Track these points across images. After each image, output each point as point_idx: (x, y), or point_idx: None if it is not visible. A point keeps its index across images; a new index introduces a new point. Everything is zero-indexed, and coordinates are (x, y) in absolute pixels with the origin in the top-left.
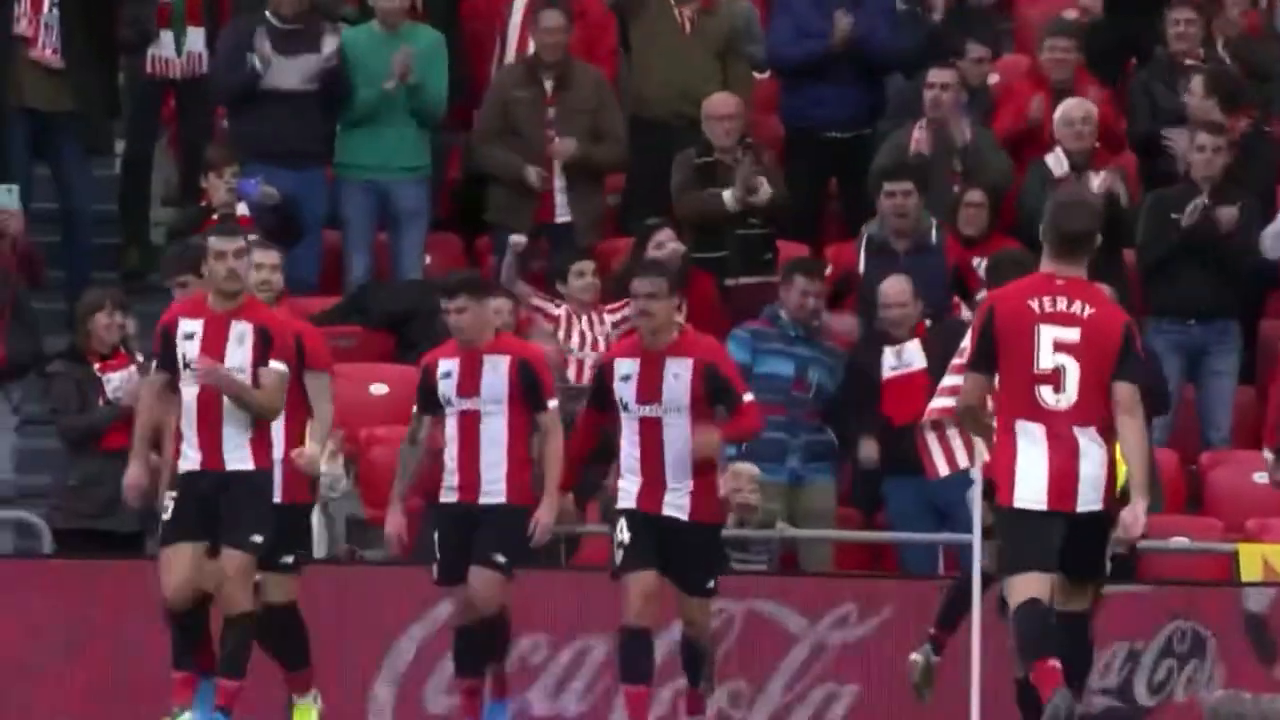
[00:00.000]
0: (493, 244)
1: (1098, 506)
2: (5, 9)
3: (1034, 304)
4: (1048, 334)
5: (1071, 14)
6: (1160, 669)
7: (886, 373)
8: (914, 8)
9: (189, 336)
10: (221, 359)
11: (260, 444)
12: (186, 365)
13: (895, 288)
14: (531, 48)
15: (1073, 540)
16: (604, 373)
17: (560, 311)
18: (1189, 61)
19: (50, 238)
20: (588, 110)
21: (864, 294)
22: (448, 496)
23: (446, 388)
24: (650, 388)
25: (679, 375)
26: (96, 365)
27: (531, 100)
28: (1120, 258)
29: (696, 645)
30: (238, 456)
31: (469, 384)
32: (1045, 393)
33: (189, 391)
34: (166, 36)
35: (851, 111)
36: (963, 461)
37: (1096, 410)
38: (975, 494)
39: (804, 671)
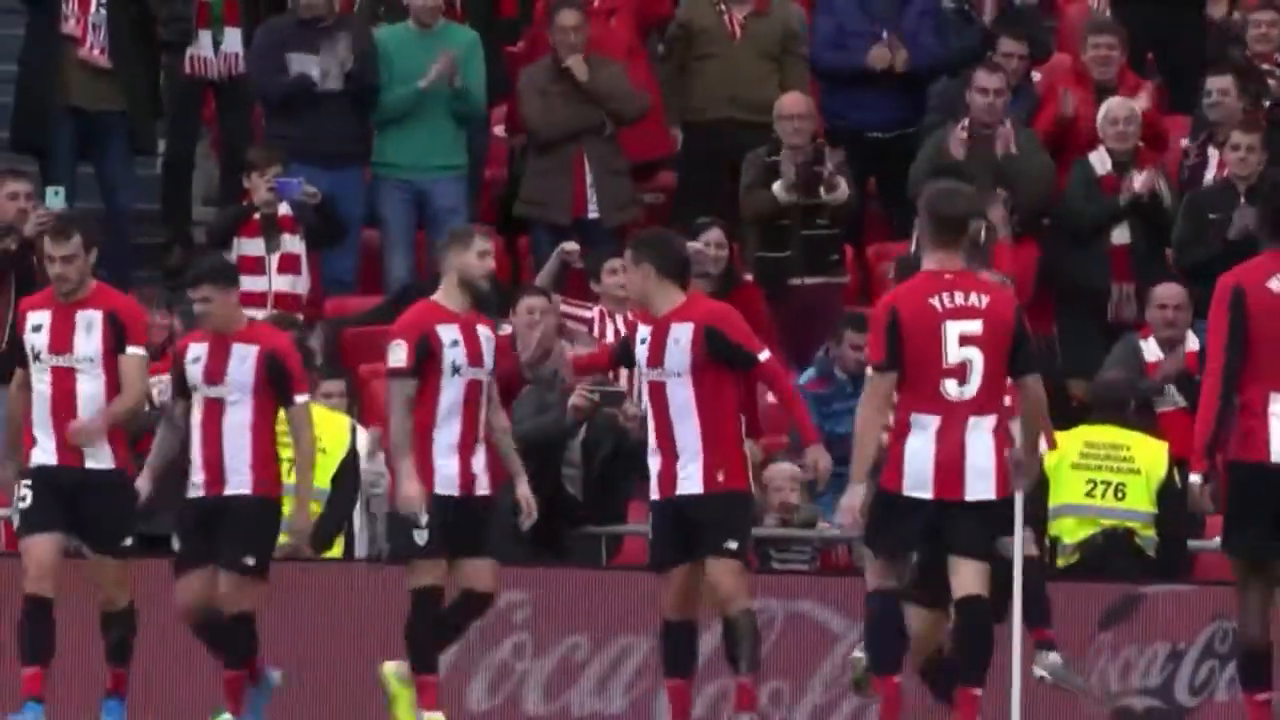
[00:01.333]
0: (530, 243)
1: (990, 495)
2: (53, 8)
3: (935, 302)
4: (953, 329)
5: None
6: (1202, 669)
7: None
8: (962, 6)
9: (36, 329)
10: (70, 348)
11: (118, 440)
12: (36, 358)
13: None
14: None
15: (960, 525)
16: (628, 338)
17: (593, 313)
18: (1266, 66)
19: None
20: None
21: None
22: (193, 491)
23: (194, 373)
24: (656, 352)
25: (679, 340)
26: None
27: (560, 93)
28: (1164, 257)
29: (733, 622)
30: (96, 454)
31: (215, 371)
32: (950, 386)
33: (40, 384)
34: (205, 36)
35: (893, 113)
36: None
37: (995, 398)
38: (1016, 495)
39: (845, 671)
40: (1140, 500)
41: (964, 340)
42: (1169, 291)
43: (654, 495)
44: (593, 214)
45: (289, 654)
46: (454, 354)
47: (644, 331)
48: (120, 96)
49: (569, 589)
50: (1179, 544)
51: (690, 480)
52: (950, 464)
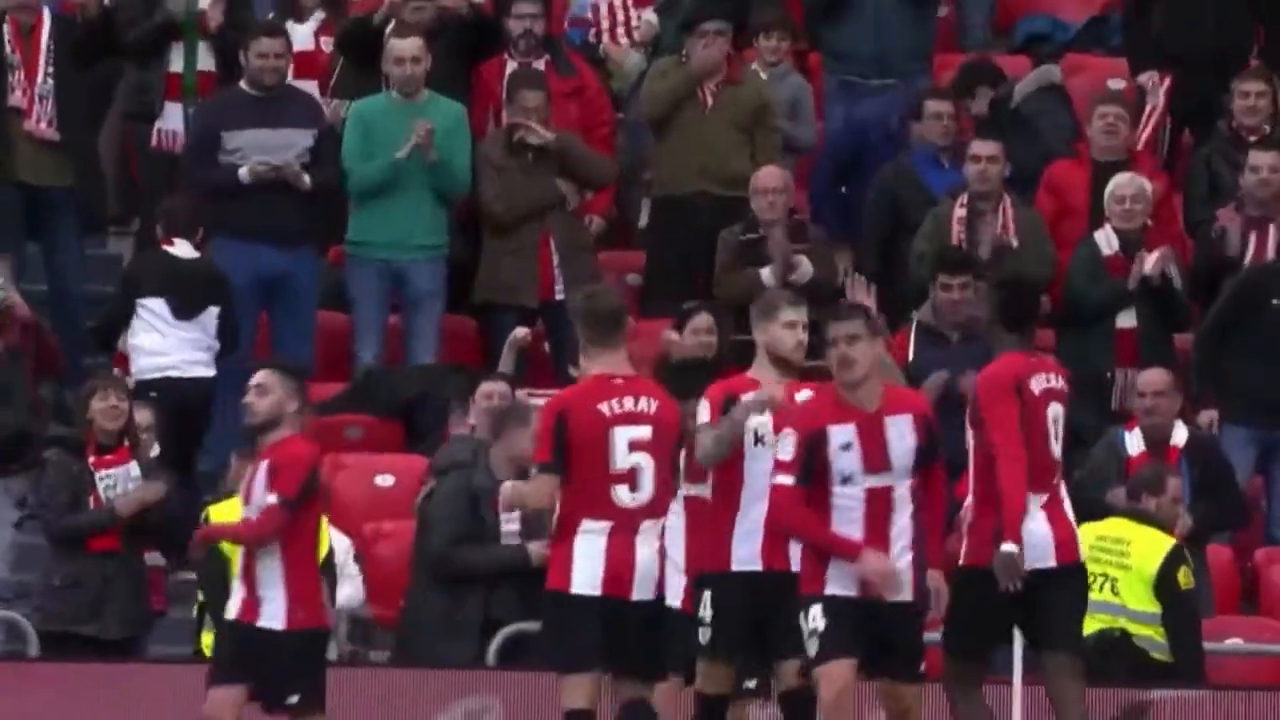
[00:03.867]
0: (495, 327)
1: (650, 596)
2: None
3: (604, 408)
4: (621, 435)
5: (1119, 84)
6: None
7: None
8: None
9: None
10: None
11: (297, 598)
12: None
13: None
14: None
15: (627, 629)
16: (815, 444)
17: None
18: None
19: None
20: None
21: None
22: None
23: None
24: (877, 453)
25: (904, 435)
26: (92, 459)
27: (518, 168)
28: (1172, 342)
29: None
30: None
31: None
32: (621, 492)
33: None
34: (174, 109)
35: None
36: None
37: (665, 502)
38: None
39: None
40: (1133, 596)
41: (633, 446)
42: (1150, 378)
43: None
44: (560, 295)
45: None
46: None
47: (846, 433)
48: (69, 172)
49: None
50: (1187, 645)
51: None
52: (620, 565)
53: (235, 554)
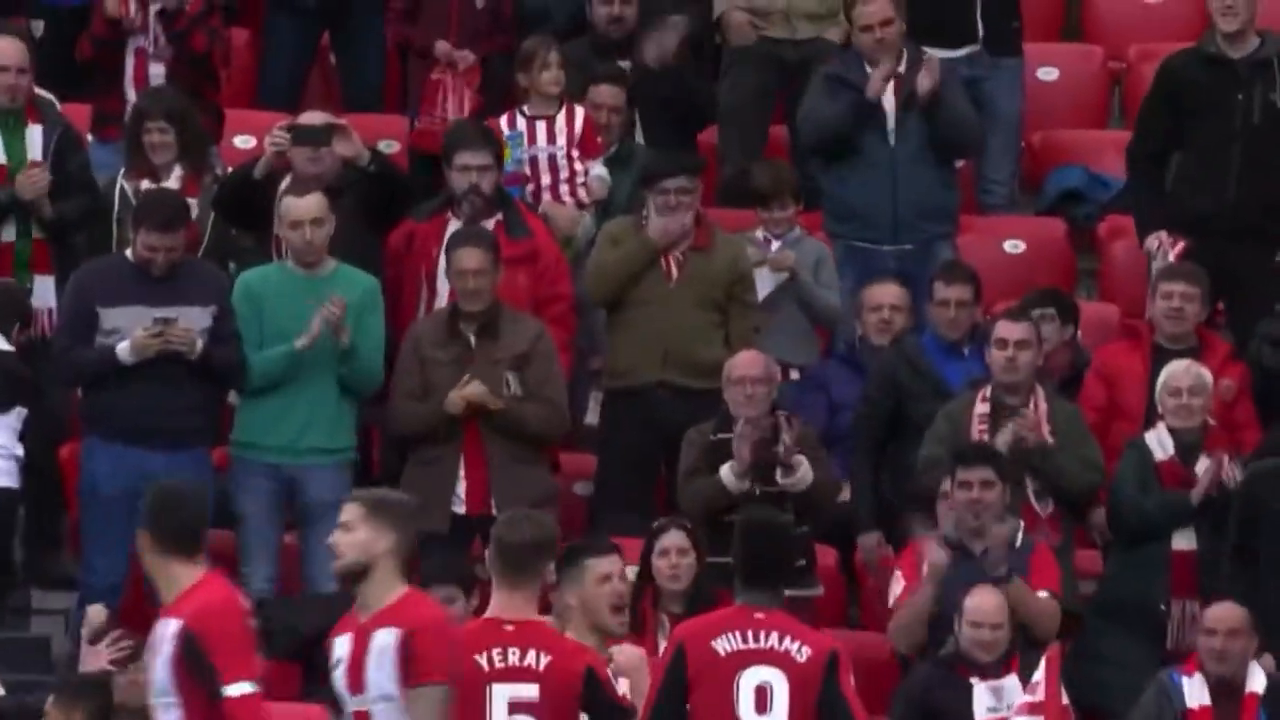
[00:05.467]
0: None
1: None
2: None
3: (482, 660)
4: (500, 694)
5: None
6: None
7: (982, 716)
8: None
9: None
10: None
11: None
12: None
13: (989, 602)
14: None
15: None
16: None
17: None
18: None
19: None
20: (516, 367)
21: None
22: None
23: None
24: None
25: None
26: None
27: (451, 361)
28: (1244, 570)
29: None
30: None
31: None
32: None
33: None
34: (43, 284)
35: None
36: None
37: None
38: None
39: None
40: None
41: (514, 708)
42: (1220, 613)
43: None
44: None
45: None
46: None
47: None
48: None
49: None
50: None
51: None
52: None
53: None
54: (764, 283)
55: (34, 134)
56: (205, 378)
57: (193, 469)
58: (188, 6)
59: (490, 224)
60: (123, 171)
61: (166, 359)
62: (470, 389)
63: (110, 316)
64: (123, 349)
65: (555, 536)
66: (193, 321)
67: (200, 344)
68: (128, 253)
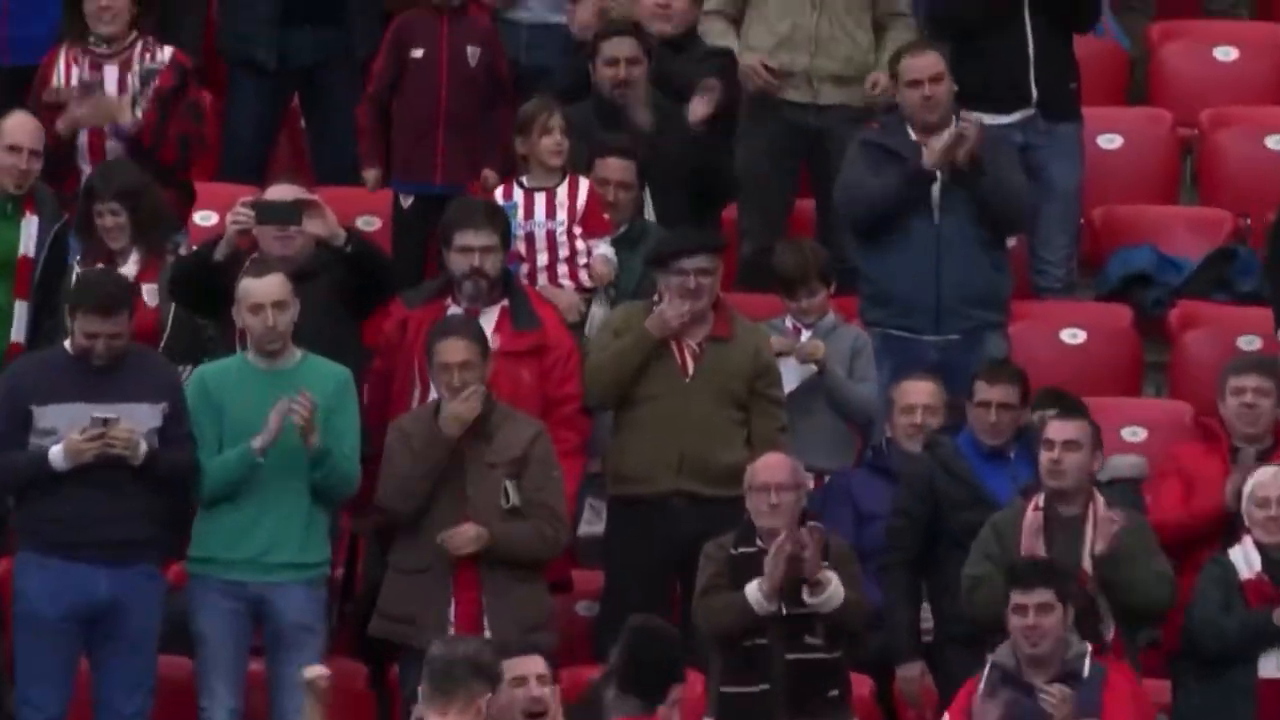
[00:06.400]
0: (400, 675)
1: None
2: None
3: None
4: None
5: (1254, 342)
6: None
7: None
8: None
9: None
10: None
11: None
12: None
13: None
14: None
15: None
16: None
17: None
18: None
19: None
20: (513, 474)
21: None
22: None
23: None
24: None
25: None
26: None
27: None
28: None
29: None
30: None
31: None
32: None
33: None
34: None
35: None
36: None
37: None
38: None
39: None
40: None
41: None
42: None
43: None
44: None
45: None
46: None
47: None
48: None
49: None
50: None
51: None
52: None
53: None
54: (790, 376)
55: (30, 226)
56: (153, 483)
57: (141, 586)
58: (156, 81)
59: (494, 312)
60: (78, 258)
61: (108, 463)
62: (463, 537)
63: (45, 415)
64: (55, 454)
65: (494, 660)
66: (139, 421)
67: (144, 447)
68: (67, 343)
